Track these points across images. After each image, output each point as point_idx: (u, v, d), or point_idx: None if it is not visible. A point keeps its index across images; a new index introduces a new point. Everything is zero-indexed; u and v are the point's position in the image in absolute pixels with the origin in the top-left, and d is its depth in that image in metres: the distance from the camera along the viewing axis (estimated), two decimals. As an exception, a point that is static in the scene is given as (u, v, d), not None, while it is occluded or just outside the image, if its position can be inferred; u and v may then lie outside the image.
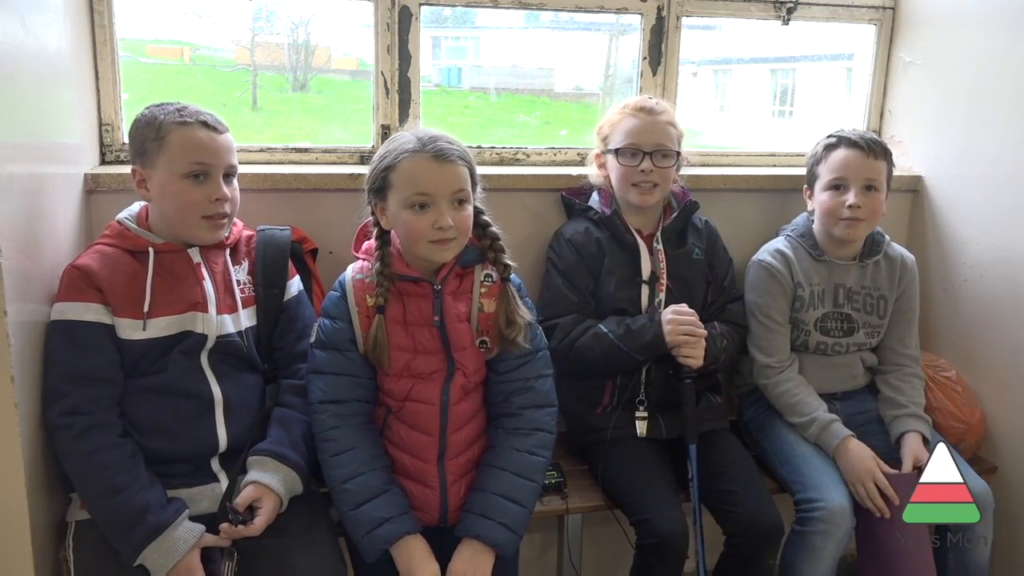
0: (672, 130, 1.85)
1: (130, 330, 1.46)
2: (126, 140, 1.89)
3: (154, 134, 1.48)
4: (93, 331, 1.44)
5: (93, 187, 1.75)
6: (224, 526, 1.43)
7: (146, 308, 1.46)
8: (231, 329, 1.55)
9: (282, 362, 1.65)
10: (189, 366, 1.50)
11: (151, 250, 1.49)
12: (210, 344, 1.52)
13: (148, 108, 1.52)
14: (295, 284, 1.68)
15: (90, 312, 1.44)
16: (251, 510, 1.46)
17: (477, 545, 1.50)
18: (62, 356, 1.43)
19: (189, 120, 1.49)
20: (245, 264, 1.63)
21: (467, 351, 1.57)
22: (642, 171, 1.81)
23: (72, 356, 1.42)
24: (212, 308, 1.52)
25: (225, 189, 1.52)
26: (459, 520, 1.54)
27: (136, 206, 1.58)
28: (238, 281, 1.59)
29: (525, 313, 1.58)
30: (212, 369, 1.52)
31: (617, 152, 1.84)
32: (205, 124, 1.50)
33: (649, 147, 1.82)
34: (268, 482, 1.47)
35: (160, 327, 1.48)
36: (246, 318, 1.59)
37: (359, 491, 1.49)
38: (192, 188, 1.49)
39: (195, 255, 1.54)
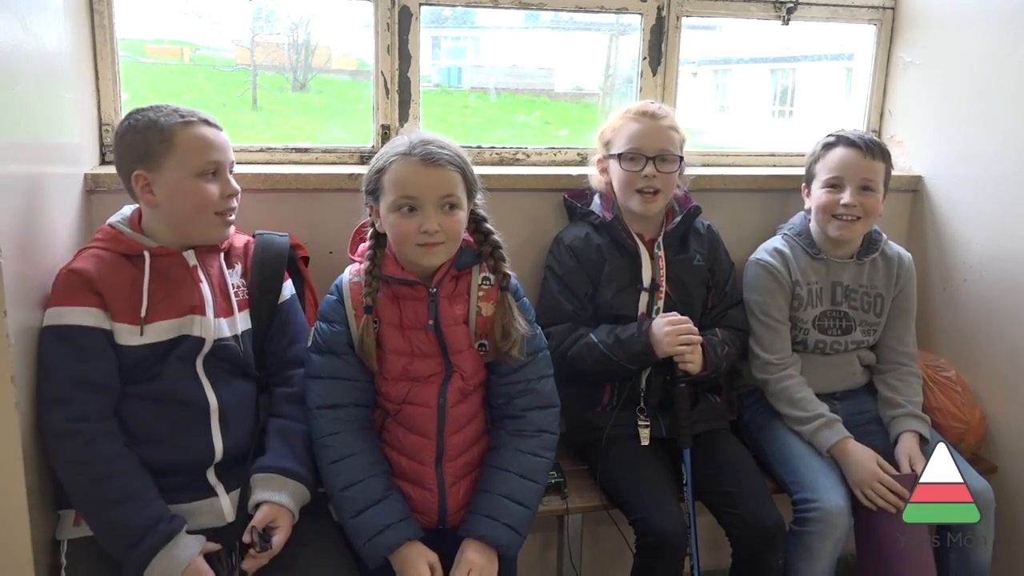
0: (675, 135, 1.84)
1: (128, 336, 1.43)
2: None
3: (159, 136, 1.45)
4: (94, 336, 1.40)
5: (93, 187, 1.75)
6: (248, 564, 1.41)
7: (143, 313, 1.43)
8: (227, 333, 1.52)
9: (274, 367, 1.63)
10: (184, 372, 1.48)
11: (147, 254, 1.47)
12: (207, 349, 1.49)
13: (136, 114, 1.48)
14: (288, 288, 1.66)
15: (90, 317, 1.41)
16: (266, 531, 1.43)
17: (481, 545, 1.49)
18: (64, 361, 1.39)
19: (192, 119, 1.48)
20: (238, 267, 1.61)
21: (464, 354, 1.57)
22: (645, 176, 1.80)
23: (75, 361, 1.39)
24: (210, 311, 1.49)
25: (235, 184, 1.54)
26: (463, 521, 1.54)
27: (127, 209, 1.55)
28: (233, 284, 1.57)
29: (522, 325, 1.57)
30: (207, 375, 1.50)
31: (620, 157, 1.83)
32: (207, 122, 1.50)
33: (652, 152, 1.80)
34: (280, 500, 1.46)
35: (158, 332, 1.45)
36: (241, 321, 1.57)
37: (359, 498, 1.48)
38: (207, 186, 1.48)
39: (191, 258, 1.51)
